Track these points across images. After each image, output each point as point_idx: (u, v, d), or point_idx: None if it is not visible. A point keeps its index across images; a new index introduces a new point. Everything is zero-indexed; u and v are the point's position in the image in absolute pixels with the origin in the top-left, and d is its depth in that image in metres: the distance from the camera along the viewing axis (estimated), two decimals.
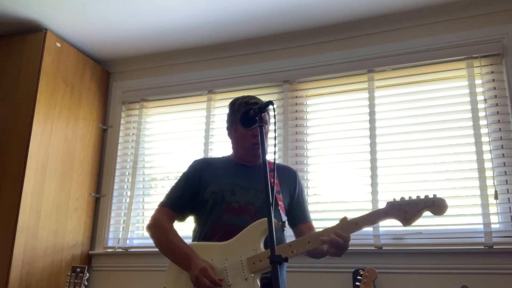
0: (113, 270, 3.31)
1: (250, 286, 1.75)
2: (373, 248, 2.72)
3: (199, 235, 2.00)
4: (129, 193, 3.49)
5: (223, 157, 2.20)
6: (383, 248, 2.71)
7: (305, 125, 3.16)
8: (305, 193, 2.20)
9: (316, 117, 3.16)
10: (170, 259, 1.93)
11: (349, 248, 2.69)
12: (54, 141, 3.18)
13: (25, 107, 3.07)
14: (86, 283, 2.37)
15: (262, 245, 1.81)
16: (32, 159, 2.99)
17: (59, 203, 3.18)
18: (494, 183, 2.62)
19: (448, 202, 2.67)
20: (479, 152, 2.68)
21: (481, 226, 2.59)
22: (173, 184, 2.13)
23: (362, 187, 2.89)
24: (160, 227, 2.00)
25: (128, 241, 3.37)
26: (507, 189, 2.62)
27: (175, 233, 1.98)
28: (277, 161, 2.22)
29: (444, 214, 1.75)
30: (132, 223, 3.40)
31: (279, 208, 1.96)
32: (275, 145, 1.95)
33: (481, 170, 2.65)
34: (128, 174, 3.56)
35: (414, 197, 1.78)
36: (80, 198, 3.35)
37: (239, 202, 1.95)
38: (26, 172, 2.94)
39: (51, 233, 3.10)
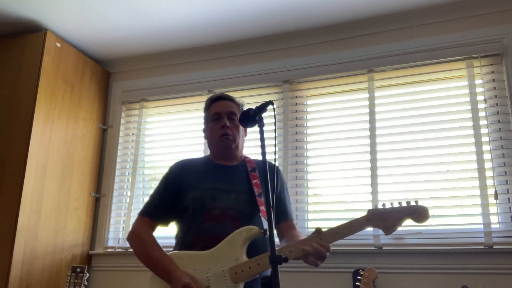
0: (113, 270, 3.31)
1: None
2: (373, 248, 2.72)
3: (181, 242, 1.95)
4: (129, 193, 3.48)
5: (203, 158, 2.13)
6: (383, 248, 2.71)
7: (305, 125, 3.16)
8: (287, 190, 2.13)
9: (316, 117, 3.16)
10: (152, 271, 1.89)
11: (349, 248, 2.74)
12: (54, 141, 3.18)
13: (25, 107, 3.06)
14: (86, 283, 2.37)
15: (244, 255, 1.78)
16: (32, 159, 2.99)
17: (59, 203, 3.18)
18: (494, 183, 2.62)
19: (448, 202, 2.71)
20: (479, 152, 2.68)
21: (481, 226, 2.59)
22: (153, 190, 2.09)
23: (362, 187, 2.89)
24: (139, 238, 1.96)
25: None
26: (507, 189, 2.61)
27: (155, 244, 1.93)
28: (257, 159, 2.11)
29: (426, 221, 1.68)
30: (132, 223, 3.39)
31: (261, 214, 1.90)
32: (275, 145, 1.93)
33: (481, 170, 2.65)
34: (128, 174, 3.56)
35: (396, 204, 1.72)
36: (80, 198, 3.35)
37: (220, 208, 1.90)
38: (26, 172, 2.94)
39: (51, 233, 3.10)
